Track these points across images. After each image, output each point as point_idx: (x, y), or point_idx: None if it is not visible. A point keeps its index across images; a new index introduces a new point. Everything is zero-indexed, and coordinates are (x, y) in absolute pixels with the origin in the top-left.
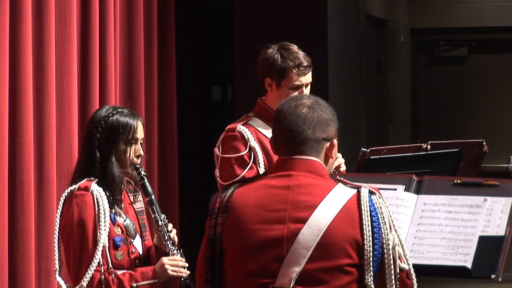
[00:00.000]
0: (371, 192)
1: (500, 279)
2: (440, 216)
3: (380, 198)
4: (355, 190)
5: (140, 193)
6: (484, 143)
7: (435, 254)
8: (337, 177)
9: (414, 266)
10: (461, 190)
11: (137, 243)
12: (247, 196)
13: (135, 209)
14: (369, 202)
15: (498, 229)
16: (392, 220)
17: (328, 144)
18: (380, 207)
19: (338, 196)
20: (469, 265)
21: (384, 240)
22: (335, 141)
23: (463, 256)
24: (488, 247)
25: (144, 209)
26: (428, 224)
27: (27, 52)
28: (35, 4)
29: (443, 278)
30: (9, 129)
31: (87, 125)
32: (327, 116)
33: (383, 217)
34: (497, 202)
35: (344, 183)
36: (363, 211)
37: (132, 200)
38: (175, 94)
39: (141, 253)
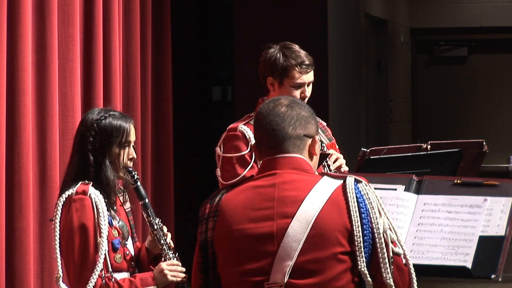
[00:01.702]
0: (357, 181)
1: (500, 279)
2: (440, 216)
3: (366, 185)
4: (341, 181)
5: (127, 193)
6: (484, 143)
7: (435, 254)
8: (322, 171)
9: (414, 266)
10: (461, 190)
11: (129, 244)
12: (236, 199)
13: (125, 210)
14: (355, 189)
15: (498, 229)
16: (382, 206)
17: (310, 141)
18: (367, 193)
19: (324, 188)
20: (469, 265)
21: (373, 225)
22: (317, 138)
23: (463, 256)
24: (488, 247)
25: (131, 209)
26: (428, 224)
27: (26, 52)
28: (37, 4)
29: (443, 278)
30: (6, 129)
31: (78, 129)
32: (306, 114)
33: (371, 202)
34: (497, 202)
35: (330, 176)
36: (349, 198)
37: (122, 201)
38: (171, 94)
39: (133, 254)
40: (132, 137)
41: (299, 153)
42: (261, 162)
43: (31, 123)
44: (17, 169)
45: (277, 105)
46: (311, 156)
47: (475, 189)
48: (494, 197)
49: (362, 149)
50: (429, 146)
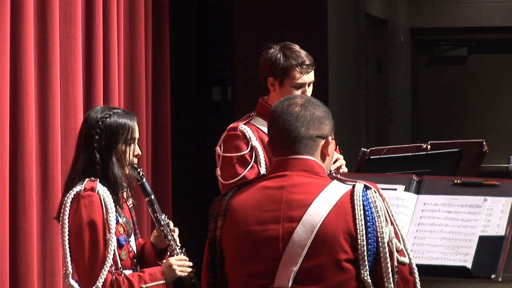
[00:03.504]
0: (366, 187)
1: (500, 279)
2: (440, 216)
3: (375, 192)
4: (350, 186)
5: (130, 190)
6: (484, 143)
7: (435, 254)
8: (333, 174)
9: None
10: (461, 190)
11: (132, 241)
12: (245, 199)
13: (128, 206)
14: (363, 196)
15: (498, 229)
16: (391, 214)
17: (323, 142)
18: (375, 201)
19: (332, 193)
20: (469, 265)
21: (378, 233)
22: (331, 139)
23: (463, 256)
24: (488, 247)
25: (133, 205)
26: (428, 224)
27: (29, 52)
28: (39, 4)
29: (443, 278)
30: (10, 129)
31: (82, 127)
32: (321, 114)
33: (377, 210)
34: (497, 202)
35: (341, 180)
36: (356, 205)
37: (125, 197)
38: (169, 94)
39: (136, 251)
40: (137, 134)
41: (310, 154)
42: (273, 161)
43: (34, 123)
44: (20, 169)
45: (291, 104)
46: (323, 157)
47: (475, 189)
48: (494, 197)
49: (362, 149)
50: (429, 146)
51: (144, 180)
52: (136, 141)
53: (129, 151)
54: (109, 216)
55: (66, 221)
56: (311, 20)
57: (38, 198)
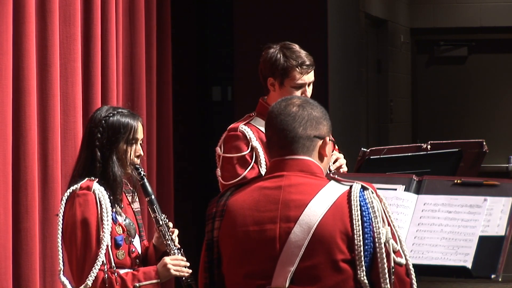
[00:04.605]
0: (363, 188)
1: (500, 279)
2: (440, 216)
3: (373, 193)
4: (347, 187)
5: (136, 193)
6: (484, 143)
7: (435, 254)
8: (331, 174)
9: (414, 266)
10: (461, 190)
11: (136, 242)
12: (242, 199)
13: (133, 209)
14: (360, 197)
15: (498, 229)
16: (389, 215)
17: (321, 142)
18: (372, 201)
19: (329, 193)
20: (469, 265)
21: (375, 234)
22: (328, 139)
23: (463, 256)
24: (488, 247)
25: (140, 209)
26: (428, 224)
27: (31, 52)
28: (39, 4)
29: (443, 278)
30: (13, 129)
31: (86, 125)
32: (318, 114)
33: (374, 211)
34: (497, 202)
35: (338, 181)
36: (352, 206)
37: (130, 200)
38: (171, 94)
39: (140, 252)
40: (140, 135)
41: (308, 154)
42: (270, 161)
43: (36, 123)
44: (23, 169)
45: (288, 105)
46: (321, 157)
47: (475, 189)
48: (494, 197)
49: (362, 149)
50: (429, 146)
51: (145, 180)
52: (139, 141)
53: (131, 151)
54: (104, 215)
55: (61, 219)
56: (311, 20)
57: (38, 198)
